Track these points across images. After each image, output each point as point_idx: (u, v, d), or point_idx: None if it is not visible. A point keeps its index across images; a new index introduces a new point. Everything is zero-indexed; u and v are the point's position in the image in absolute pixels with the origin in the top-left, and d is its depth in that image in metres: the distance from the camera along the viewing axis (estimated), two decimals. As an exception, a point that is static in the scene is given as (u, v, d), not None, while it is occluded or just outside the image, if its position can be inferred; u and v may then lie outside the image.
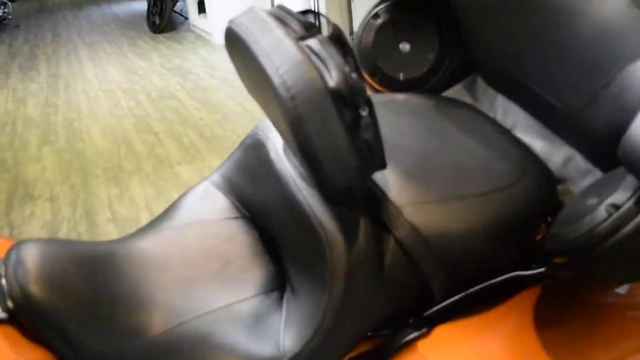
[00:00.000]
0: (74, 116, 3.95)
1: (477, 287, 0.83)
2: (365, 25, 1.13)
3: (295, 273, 0.81)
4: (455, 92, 1.18)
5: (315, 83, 0.65)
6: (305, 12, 0.80)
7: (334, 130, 0.66)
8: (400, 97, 1.08)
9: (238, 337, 0.76)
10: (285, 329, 0.76)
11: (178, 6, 6.94)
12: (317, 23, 0.80)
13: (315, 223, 0.76)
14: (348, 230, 0.75)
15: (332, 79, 0.65)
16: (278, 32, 0.69)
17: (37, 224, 2.58)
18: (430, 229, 0.79)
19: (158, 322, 0.76)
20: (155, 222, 0.95)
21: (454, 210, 0.81)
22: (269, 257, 0.88)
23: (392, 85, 1.16)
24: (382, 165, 0.74)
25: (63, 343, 0.72)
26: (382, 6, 1.14)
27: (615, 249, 0.68)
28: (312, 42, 0.69)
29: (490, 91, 1.12)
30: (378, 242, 0.77)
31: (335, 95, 0.66)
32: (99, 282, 0.78)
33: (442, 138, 0.94)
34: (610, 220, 0.68)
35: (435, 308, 0.83)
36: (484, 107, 1.14)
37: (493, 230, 0.82)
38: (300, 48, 0.67)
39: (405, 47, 1.14)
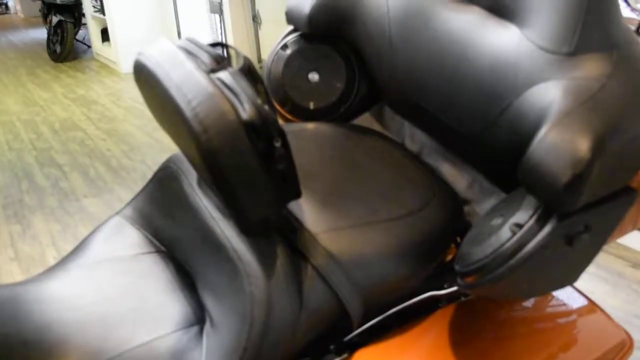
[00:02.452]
0: (-31, 150, 3.75)
1: (394, 310, 0.86)
2: (275, 56, 1.16)
3: (213, 306, 0.81)
4: (364, 120, 1.23)
5: (227, 116, 0.66)
6: (214, 45, 0.81)
7: (248, 163, 0.68)
8: (310, 126, 1.11)
9: None
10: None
11: (80, 34, 6.75)
12: (226, 55, 0.82)
13: (233, 254, 0.77)
14: (265, 260, 0.76)
15: (245, 111, 0.67)
16: (188, 65, 0.70)
17: None
18: (345, 255, 0.81)
19: None
20: (64, 261, 0.92)
21: (367, 235, 0.84)
22: (187, 291, 0.88)
23: (302, 114, 1.19)
24: (297, 195, 0.77)
25: None
26: (290, 37, 1.16)
27: (520, 266, 0.73)
28: (223, 75, 0.70)
29: (398, 118, 1.18)
30: (296, 270, 0.79)
31: (249, 128, 0.67)
32: (8, 327, 0.75)
33: (352, 165, 0.98)
34: (514, 239, 0.73)
35: (354, 333, 0.85)
36: (392, 134, 1.19)
37: (405, 253, 0.85)
38: (212, 81, 0.68)
39: (314, 77, 1.18)
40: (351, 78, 1.18)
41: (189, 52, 0.74)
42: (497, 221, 0.77)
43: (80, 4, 6.26)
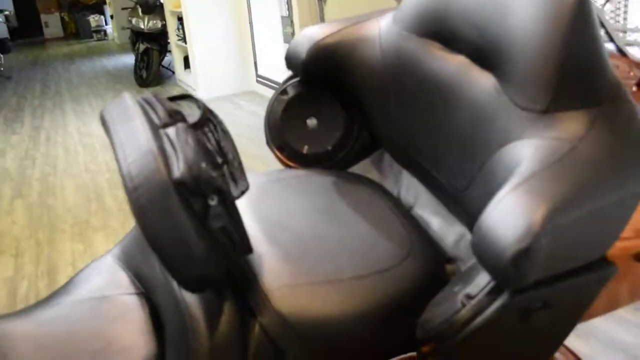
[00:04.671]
0: (49, 170, 4.00)
1: None
2: (274, 100, 1.18)
3: (169, 355, 0.84)
4: (362, 167, 1.23)
5: (157, 174, 0.67)
6: (182, 97, 0.84)
7: (178, 221, 0.68)
8: (302, 173, 1.12)
9: None
10: None
11: (166, 61, 7.10)
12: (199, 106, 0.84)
13: (183, 307, 0.79)
14: (212, 315, 0.77)
15: (178, 170, 0.67)
16: (137, 121, 0.72)
17: (-3, 280, 2.60)
18: (298, 315, 0.79)
19: None
20: (52, 296, 0.97)
21: (326, 294, 0.82)
22: (156, 335, 0.90)
23: (299, 159, 1.20)
24: (246, 251, 0.77)
25: None
26: (290, 82, 1.19)
27: (471, 338, 0.70)
28: (170, 131, 0.72)
29: (396, 166, 1.17)
30: (243, 328, 0.78)
31: (180, 186, 0.67)
32: None
33: (331, 218, 0.97)
34: (463, 310, 0.70)
35: None
36: (389, 182, 1.19)
37: (368, 315, 0.82)
38: (157, 137, 0.70)
39: (312, 122, 1.19)
40: (349, 126, 1.18)
41: (145, 107, 0.76)
42: (456, 289, 0.75)
43: (166, 32, 6.59)
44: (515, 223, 0.64)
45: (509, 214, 0.65)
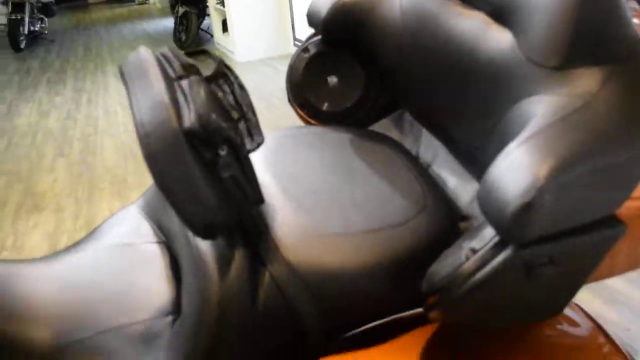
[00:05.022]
0: (90, 130, 4.10)
1: (359, 330, 0.84)
2: (296, 58, 1.19)
3: (184, 298, 0.86)
4: (382, 126, 1.22)
5: (168, 123, 0.68)
6: (199, 53, 0.86)
7: (187, 169, 0.69)
8: (319, 129, 1.12)
9: (126, 358, 0.81)
10: (167, 353, 0.81)
11: (205, 24, 7.11)
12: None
13: (195, 253, 0.81)
14: (223, 261, 0.79)
15: (189, 120, 0.69)
16: (152, 74, 0.74)
17: (39, 234, 2.70)
18: (307, 266, 0.80)
19: (50, 339, 0.81)
20: (77, 243, 1.01)
21: (336, 246, 0.82)
22: (175, 282, 0.93)
23: (320, 117, 1.21)
24: (257, 202, 0.79)
25: None
26: (312, 40, 1.19)
27: (474, 292, 0.70)
28: (184, 83, 0.74)
29: (416, 126, 1.16)
30: (253, 276, 0.80)
31: (190, 135, 0.69)
32: (6, 299, 0.84)
33: (346, 173, 0.97)
34: (467, 263, 0.71)
35: (313, 350, 0.83)
36: (408, 141, 1.18)
37: (378, 269, 0.82)
38: (170, 89, 0.72)
39: (332, 80, 1.19)
40: (369, 84, 1.18)
41: (162, 61, 0.78)
42: (465, 243, 0.75)
43: (205, -5, 6.59)
44: (519, 177, 0.64)
45: (514, 168, 0.65)
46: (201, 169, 0.71)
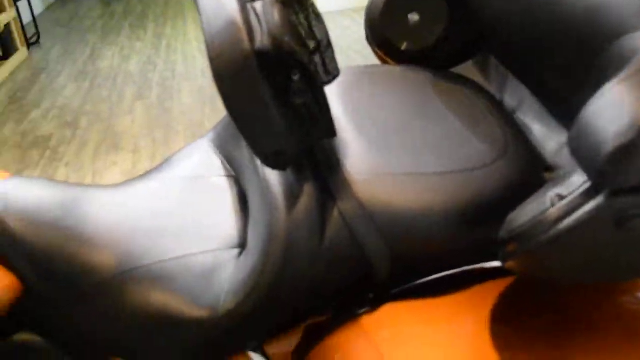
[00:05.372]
0: (168, 75, 4.14)
1: (425, 280, 0.80)
2: None
3: (250, 231, 0.83)
4: (465, 68, 1.13)
5: (240, 44, 0.66)
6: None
7: (258, 92, 0.67)
8: (397, 68, 1.05)
9: (188, 287, 0.79)
10: (230, 285, 0.78)
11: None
12: None
13: (263, 184, 0.78)
14: (291, 193, 0.76)
15: (260, 42, 0.66)
16: None
17: (116, 172, 2.76)
18: (376, 204, 0.76)
19: (114, 264, 0.80)
20: (148, 173, 0.99)
21: (407, 186, 0.77)
22: (241, 215, 0.90)
23: (399, 57, 1.13)
24: (330, 134, 0.74)
25: (29, 271, 0.78)
26: None
27: (558, 241, 0.63)
28: (258, 5, 0.70)
29: (502, 70, 1.07)
30: (321, 210, 0.76)
31: (262, 57, 0.66)
32: (71, 220, 0.83)
33: (423, 113, 0.90)
34: (552, 209, 0.63)
35: (379, 292, 0.80)
36: (493, 86, 1.08)
37: (450, 213, 0.77)
38: (243, 10, 0.68)
39: (414, 17, 1.10)
40: (453, 22, 1.08)
41: None
42: (550, 189, 0.67)
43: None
44: (617, 116, 0.56)
45: (612, 106, 0.57)
46: (271, 93, 0.68)
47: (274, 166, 0.74)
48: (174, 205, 0.90)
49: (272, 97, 0.68)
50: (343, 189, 0.78)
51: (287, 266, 0.75)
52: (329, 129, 0.75)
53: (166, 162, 1.02)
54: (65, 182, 0.92)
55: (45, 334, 0.83)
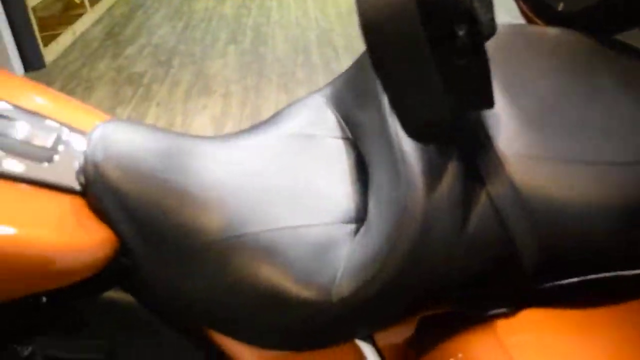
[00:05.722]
0: (263, 20, 4.04)
1: (575, 279, 0.67)
2: None
3: (373, 207, 0.72)
4: (631, 36, 0.95)
5: None
6: None
7: (414, 46, 0.54)
8: (552, 31, 0.89)
9: (298, 262, 0.69)
10: (346, 265, 0.68)
11: None
12: None
13: (398, 155, 0.66)
14: (431, 171, 0.64)
15: None
16: None
17: (206, 116, 2.71)
18: (534, 191, 0.64)
19: (221, 227, 0.71)
20: (256, 127, 0.90)
21: (573, 174, 0.65)
22: (359, 185, 0.79)
23: (550, 16, 0.96)
24: (488, 104, 0.61)
25: (126, 225, 0.70)
26: None
27: None
28: None
29: None
30: (466, 191, 0.64)
31: (423, 4, 0.54)
32: (174, 173, 0.74)
33: (587, 89, 0.76)
34: None
35: (523, 288, 0.68)
36: None
37: (617, 210, 0.65)
38: None
39: None
40: None
41: None
42: None
43: None
44: None
45: None
46: (431, 48, 0.56)
47: (422, 139, 0.63)
48: (284, 166, 0.80)
49: (431, 52, 0.55)
50: (494, 169, 0.65)
51: (420, 251, 0.63)
52: (488, 99, 0.63)
53: (277, 115, 0.92)
54: (167, 130, 0.84)
55: (137, 294, 0.76)
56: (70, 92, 3.05)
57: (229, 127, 2.59)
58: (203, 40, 3.72)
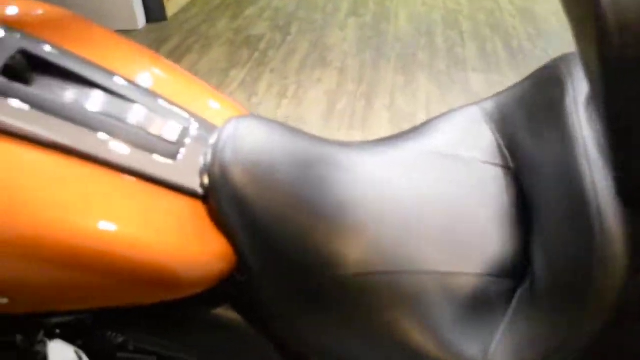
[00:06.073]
0: (388, -6, 3.88)
1: None
2: None
3: (544, 266, 0.58)
4: None
5: None
6: None
7: None
8: None
9: (445, 320, 0.57)
10: (504, 338, 0.55)
11: None
12: None
13: (594, 214, 0.52)
14: (636, 244, 0.50)
15: None
16: None
17: (320, 89, 2.61)
18: None
19: (356, 260, 0.60)
20: (402, 136, 0.77)
21: None
22: (517, 229, 0.65)
23: None
24: None
25: (247, 240, 0.61)
26: None
27: None
28: None
29: None
30: None
31: None
32: (309, 187, 0.64)
33: None
34: None
35: None
36: None
37: None
38: None
39: None
40: None
41: None
42: None
43: None
44: None
45: None
46: None
47: (632, 204, 0.49)
48: (432, 192, 0.68)
49: None
50: None
51: (614, 335, 0.50)
52: None
53: (424, 126, 0.79)
54: (306, 133, 0.73)
55: (247, 314, 0.67)
56: (188, 49, 3.04)
57: (342, 104, 2.48)
58: (324, 8, 3.62)
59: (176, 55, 2.98)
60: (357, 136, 2.27)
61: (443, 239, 0.64)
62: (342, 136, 2.27)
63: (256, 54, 2.97)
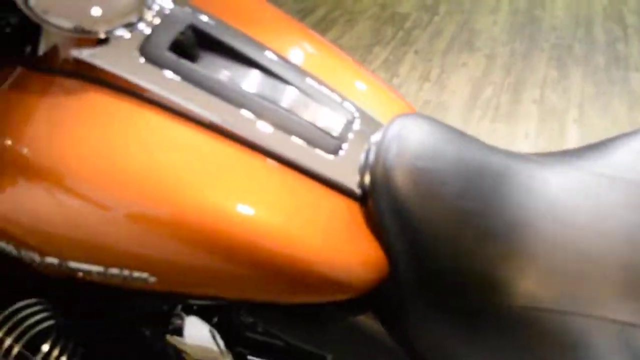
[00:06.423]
0: (545, -21, 3.65)
1: None
2: None
3: None
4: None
5: None
6: None
7: None
8: None
9: None
10: None
11: None
12: None
13: None
14: None
15: None
16: None
17: (464, 76, 2.51)
18: None
19: (524, 291, 0.55)
20: (577, 153, 0.69)
21: None
22: None
23: None
24: None
25: (403, 251, 0.57)
26: None
27: None
28: None
29: None
30: None
31: None
32: (479, 202, 0.59)
33: None
34: None
35: None
36: None
37: None
38: None
39: None
40: None
41: None
42: None
43: None
44: None
45: None
46: None
47: None
48: (614, 221, 0.60)
49: None
50: None
51: None
52: None
53: (608, 146, 0.70)
54: (475, 138, 0.67)
55: (388, 325, 0.63)
56: (332, 22, 3.03)
57: (488, 93, 2.37)
58: (475, -10, 3.47)
59: (321, 27, 2.97)
60: (501, 130, 2.16)
61: (625, 280, 0.57)
62: (484, 128, 2.17)
63: (400, 33, 2.90)
